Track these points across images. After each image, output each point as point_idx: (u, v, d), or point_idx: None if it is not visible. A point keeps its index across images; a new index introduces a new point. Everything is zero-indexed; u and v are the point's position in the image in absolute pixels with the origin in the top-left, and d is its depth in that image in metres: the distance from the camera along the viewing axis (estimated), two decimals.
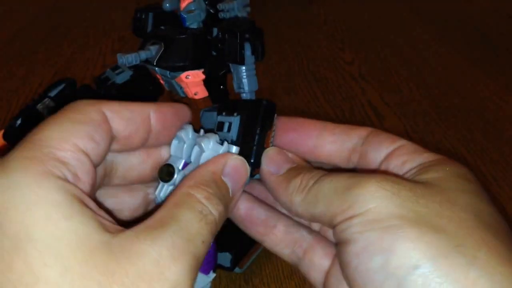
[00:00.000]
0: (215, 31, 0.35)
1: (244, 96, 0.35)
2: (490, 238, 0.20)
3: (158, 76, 0.36)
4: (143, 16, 0.36)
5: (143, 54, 0.34)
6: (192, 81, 0.35)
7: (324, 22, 1.10)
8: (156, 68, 0.35)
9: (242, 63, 0.34)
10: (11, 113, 0.69)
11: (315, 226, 0.28)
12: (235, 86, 0.35)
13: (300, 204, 0.24)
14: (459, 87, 0.78)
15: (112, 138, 0.23)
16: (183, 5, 0.35)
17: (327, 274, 0.26)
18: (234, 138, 0.28)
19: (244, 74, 0.34)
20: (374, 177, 0.22)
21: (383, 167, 0.25)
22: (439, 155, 0.24)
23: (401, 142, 0.25)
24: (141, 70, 0.39)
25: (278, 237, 0.28)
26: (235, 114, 0.29)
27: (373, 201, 0.21)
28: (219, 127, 0.29)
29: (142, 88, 0.40)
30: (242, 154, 0.27)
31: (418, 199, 0.21)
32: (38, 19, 1.09)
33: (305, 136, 0.28)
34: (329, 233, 0.27)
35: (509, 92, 0.74)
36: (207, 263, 0.26)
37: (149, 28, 0.36)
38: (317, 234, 0.28)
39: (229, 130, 0.28)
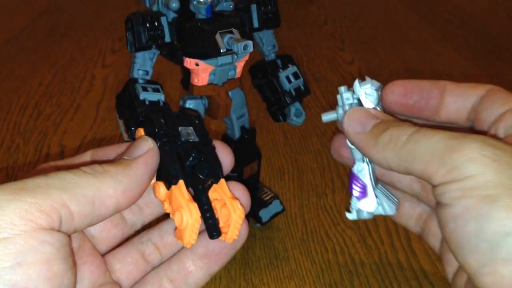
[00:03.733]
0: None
1: (273, 56, 0.43)
2: None
3: (203, 69, 0.36)
4: (157, 23, 0.35)
5: (237, 45, 0.35)
6: (245, 59, 0.38)
7: (324, 22, 1.10)
8: (222, 57, 0.36)
9: (279, 25, 0.41)
10: (11, 113, 0.69)
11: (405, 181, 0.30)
12: (265, 49, 0.42)
13: (393, 159, 0.25)
14: None
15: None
16: None
17: (442, 241, 0.29)
18: None
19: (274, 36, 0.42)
20: (475, 140, 0.22)
21: (492, 130, 0.25)
22: None
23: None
24: None
25: (403, 212, 0.32)
26: None
27: (473, 168, 0.21)
28: None
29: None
30: None
31: None
32: (38, 19, 1.08)
33: (428, 97, 0.28)
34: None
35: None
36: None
37: (167, 34, 0.35)
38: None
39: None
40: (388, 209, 0.30)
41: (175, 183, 0.26)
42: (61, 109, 0.71)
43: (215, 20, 0.36)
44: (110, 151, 0.28)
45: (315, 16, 1.13)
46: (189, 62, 0.36)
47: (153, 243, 0.29)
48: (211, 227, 0.26)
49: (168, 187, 0.26)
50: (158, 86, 0.36)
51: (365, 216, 0.30)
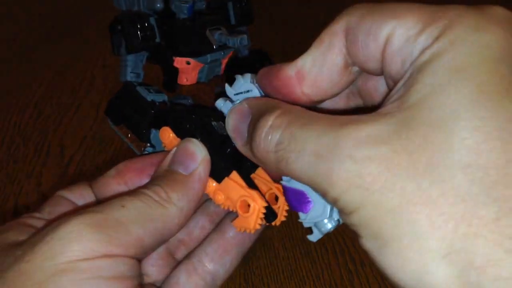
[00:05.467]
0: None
1: (246, 52, 0.42)
2: None
3: (194, 67, 0.36)
4: (147, 24, 0.35)
5: (231, 40, 0.36)
6: (229, 56, 0.39)
7: (324, 22, 1.09)
8: (211, 54, 0.37)
9: (253, 22, 0.41)
10: (11, 113, 0.69)
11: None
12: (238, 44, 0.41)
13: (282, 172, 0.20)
14: None
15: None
16: None
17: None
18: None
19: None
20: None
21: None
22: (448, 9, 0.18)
23: (387, 29, 0.18)
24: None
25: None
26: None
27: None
28: None
29: None
30: None
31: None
32: (38, 19, 1.08)
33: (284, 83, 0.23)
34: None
35: None
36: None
37: (157, 34, 0.36)
38: None
39: None
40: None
41: (228, 174, 0.26)
42: (61, 109, 0.71)
43: (198, 18, 0.36)
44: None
45: (315, 16, 1.13)
46: (179, 62, 0.36)
47: (179, 240, 0.29)
48: (268, 212, 0.26)
49: (220, 180, 0.26)
50: (157, 88, 0.36)
51: (327, 227, 0.24)
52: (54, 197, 0.26)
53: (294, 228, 0.48)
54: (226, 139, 0.26)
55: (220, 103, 0.26)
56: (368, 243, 0.18)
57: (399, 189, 0.16)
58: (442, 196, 0.15)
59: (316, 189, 0.19)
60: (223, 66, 0.39)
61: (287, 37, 0.99)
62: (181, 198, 0.24)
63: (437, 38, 0.17)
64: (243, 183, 0.26)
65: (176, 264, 0.29)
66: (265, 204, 0.26)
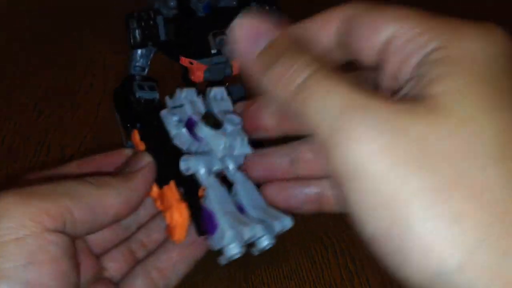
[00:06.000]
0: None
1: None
2: None
3: (197, 67, 0.37)
4: (152, 22, 0.36)
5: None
6: None
7: None
8: (215, 56, 0.37)
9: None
10: (11, 113, 0.69)
11: None
12: None
13: (287, 106, 0.18)
14: None
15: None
16: None
17: None
18: None
19: None
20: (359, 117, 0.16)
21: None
22: (451, 23, 0.18)
23: (389, 31, 0.18)
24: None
25: None
26: None
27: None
28: None
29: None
30: None
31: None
32: (38, 19, 1.08)
33: None
34: None
35: None
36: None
37: (162, 33, 0.36)
38: None
39: None
40: (251, 234, 0.24)
41: (167, 183, 0.27)
42: (61, 109, 0.71)
43: (213, 18, 0.36)
44: (95, 163, 0.29)
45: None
46: (184, 61, 0.36)
47: (139, 240, 0.30)
48: (199, 225, 0.27)
49: (161, 186, 0.28)
50: (154, 84, 0.37)
51: (232, 252, 0.24)
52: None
53: (294, 228, 0.48)
54: (177, 151, 0.27)
55: (163, 114, 0.27)
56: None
57: (430, 167, 0.15)
58: (473, 185, 0.15)
59: (319, 142, 0.17)
60: (235, 67, 0.38)
61: None
62: (119, 183, 0.25)
63: (446, 42, 0.17)
64: (177, 195, 0.27)
65: (135, 264, 0.30)
66: (187, 219, 0.26)
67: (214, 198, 0.25)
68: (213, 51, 0.36)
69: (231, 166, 0.27)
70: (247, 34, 0.20)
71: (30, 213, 0.21)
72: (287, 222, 0.27)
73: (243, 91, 0.42)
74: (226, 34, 0.36)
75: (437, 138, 0.15)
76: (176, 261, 0.29)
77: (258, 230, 0.25)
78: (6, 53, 0.91)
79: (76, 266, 0.22)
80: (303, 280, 0.41)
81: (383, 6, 0.19)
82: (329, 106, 0.17)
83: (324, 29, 0.20)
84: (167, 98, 0.27)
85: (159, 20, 0.36)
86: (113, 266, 0.29)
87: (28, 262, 0.20)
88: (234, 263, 0.43)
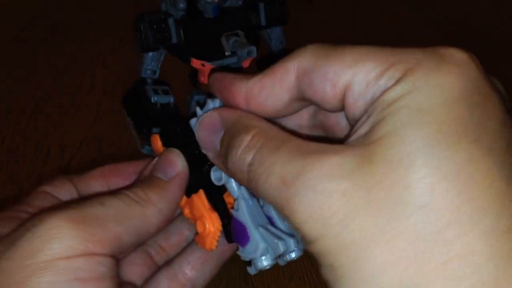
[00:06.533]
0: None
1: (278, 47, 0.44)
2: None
3: (209, 69, 0.36)
4: (163, 25, 0.35)
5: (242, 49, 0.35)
6: (251, 59, 0.38)
7: (324, 22, 1.10)
8: (227, 58, 0.36)
9: (286, 23, 0.42)
10: (11, 113, 0.69)
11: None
12: (273, 45, 0.44)
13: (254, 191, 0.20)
14: None
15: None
16: None
17: None
18: None
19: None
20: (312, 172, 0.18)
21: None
22: (408, 54, 0.18)
23: (345, 79, 0.19)
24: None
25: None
26: None
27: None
28: None
29: None
30: None
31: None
32: (38, 19, 1.08)
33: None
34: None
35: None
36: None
37: (174, 35, 0.36)
38: None
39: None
40: (284, 248, 0.24)
41: (196, 192, 0.27)
42: (61, 109, 0.71)
43: (221, 20, 0.36)
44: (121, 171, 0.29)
45: (315, 16, 1.13)
46: (195, 63, 0.36)
47: (158, 245, 0.30)
48: (229, 233, 0.27)
49: (189, 195, 0.27)
50: (168, 88, 0.37)
51: (263, 264, 0.25)
52: (36, 191, 0.27)
53: None
54: (204, 157, 0.26)
55: (193, 123, 0.27)
56: (326, 273, 0.19)
57: (357, 224, 0.16)
58: (397, 235, 0.16)
59: (280, 213, 0.19)
60: (245, 66, 0.38)
61: (287, 38, 0.99)
62: (160, 200, 0.25)
63: (399, 80, 0.17)
64: (206, 204, 0.27)
65: (156, 268, 0.30)
66: (220, 229, 0.27)
67: (245, 209, 0.25)
68: (227, 53, 0.36)
69: None
70: (206, 130, 0.24)
71: (81, 238, 0.22)
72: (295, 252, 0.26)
73: None
74: (238, 35, 0.36)
75: (368, 188, 0.16)
76: (203, 260, 0.29)
77: (291, 244, 0.25)
78: (6, 53, 0.91)
79: (118, 285, 0.23)
80: (303, 280, 0.41)
81: (339, 49, 0.19)
82: (274, 181, 0.18)
83: (281, 84, 0.21)
84: (197, 108, 0.27)
85: (171, 22, 0.36)
86: (133, 269, 0.29)
87: (75, 278, 0.21)
88: (234, 263, 0.43)
